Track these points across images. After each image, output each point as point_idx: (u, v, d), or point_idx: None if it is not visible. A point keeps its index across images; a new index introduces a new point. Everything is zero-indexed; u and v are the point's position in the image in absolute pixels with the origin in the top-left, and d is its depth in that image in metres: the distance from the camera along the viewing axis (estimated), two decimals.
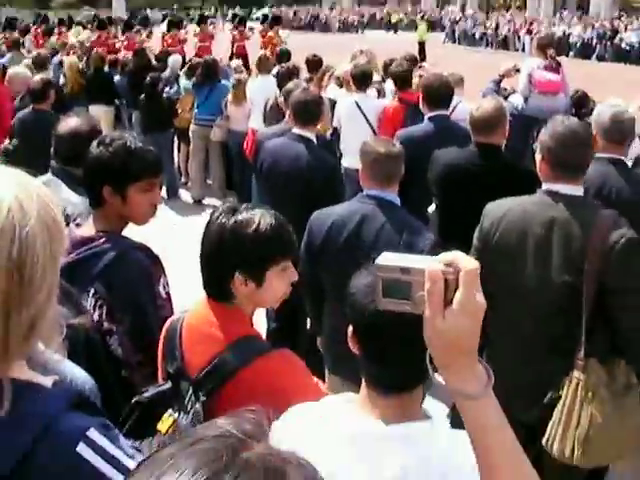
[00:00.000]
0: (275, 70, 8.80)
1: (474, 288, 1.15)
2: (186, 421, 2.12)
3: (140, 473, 0.77)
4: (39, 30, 22.33)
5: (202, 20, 21.55)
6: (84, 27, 22.38)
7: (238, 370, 2.14)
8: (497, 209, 3.34)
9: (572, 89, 7.65)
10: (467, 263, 1.16)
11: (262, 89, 8.83)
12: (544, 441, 3.10)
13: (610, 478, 3.48)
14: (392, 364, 1.19)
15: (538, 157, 3.29)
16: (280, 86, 7.25)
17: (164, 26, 21.31)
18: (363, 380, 1.71)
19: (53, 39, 17.25)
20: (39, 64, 10.17)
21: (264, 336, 4.91)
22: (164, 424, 2.15)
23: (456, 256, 1.17)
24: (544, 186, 3.26)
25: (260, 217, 2.20)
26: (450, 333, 1.16)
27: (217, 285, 2.25)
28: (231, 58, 16.18)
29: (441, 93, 5.36)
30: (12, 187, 1.28)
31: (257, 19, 41.55)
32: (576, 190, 3.20)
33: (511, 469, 1.23)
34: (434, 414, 1.71)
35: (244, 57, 16.66)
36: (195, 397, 2.16)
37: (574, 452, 3.02)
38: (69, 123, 3.59)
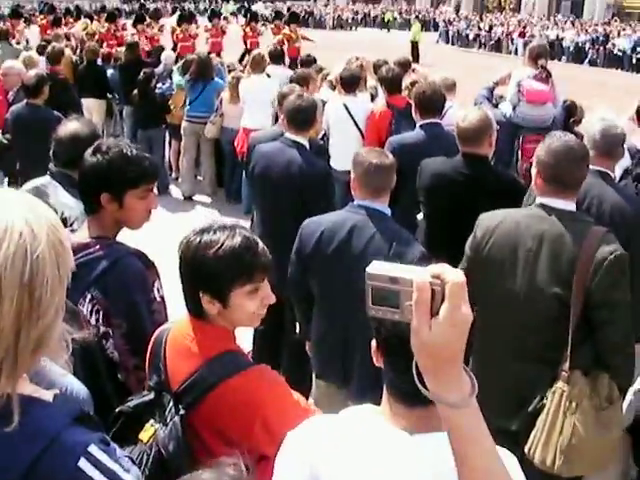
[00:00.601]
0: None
1: (460, 300, 1.19)
2: (164, 433, 2.15)
3: None
4: (45, 21, 21.42)
5: (214, 15, 20.99)
6: (92, 19, 21.11)
7: (216, 386, 2.17)
8: (490, 220, 3.38)
9: (563, 96, 7.67)
10: (454, 276, 1.20)
11: (255, 88, 8.90)
12: (526, 449, 3.15)
13: None
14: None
15: (534, 171, 3.34)
16: None
17: (174, 19, 20.05)
18: (386, 392, 1.68)
19: (60, 31, 16.21)
20: (53, 58, 9.72)
21: (250, 338, 4.95)
22: (146, 433, 2.19)
23: (444, 268, 1.21)
24: (538, 200, 3.31)
25: (226, 238, 2.18)
26: (435, 343, 1.19)
27: (191, 302, 2.28)
28: (244, 54, 15.81)
29: (433, 101, 5.36)
30: (23, 211, 1.32)
31: (232, 14, 40.88)
32: (569, 205, 3.25)
33: (488, 478, 1.27)
34: None
35: None
36: (175, 410, 2.18)
37: (555, 461, 3.08)
38: (69, 126, 3.56)
